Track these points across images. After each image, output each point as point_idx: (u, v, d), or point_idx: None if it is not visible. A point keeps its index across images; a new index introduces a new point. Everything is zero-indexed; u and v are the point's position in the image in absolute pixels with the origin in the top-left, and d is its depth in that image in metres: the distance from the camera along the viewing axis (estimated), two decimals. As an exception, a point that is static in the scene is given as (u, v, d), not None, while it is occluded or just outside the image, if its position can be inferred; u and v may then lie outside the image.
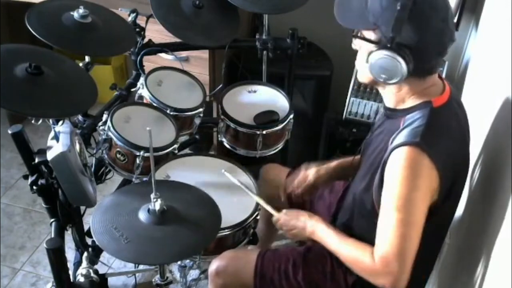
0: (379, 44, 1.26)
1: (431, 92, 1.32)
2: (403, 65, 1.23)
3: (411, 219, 1.24)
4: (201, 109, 1.97)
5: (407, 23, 1.21)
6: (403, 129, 1.29)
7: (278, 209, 1.60)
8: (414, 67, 1.24)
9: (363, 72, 1.37)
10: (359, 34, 1.32)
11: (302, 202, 1.77)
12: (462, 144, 1.36)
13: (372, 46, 1.27)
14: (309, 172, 1.69)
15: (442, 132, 1.29)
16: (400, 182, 1.23)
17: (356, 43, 1.35)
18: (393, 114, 1.37)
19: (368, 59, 1.26)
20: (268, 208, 1.61)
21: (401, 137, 1.27)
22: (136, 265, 1.80)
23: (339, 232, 1.41)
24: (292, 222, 1.51)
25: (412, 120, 1.29)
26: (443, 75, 2.27)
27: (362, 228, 1.43)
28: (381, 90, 1.39)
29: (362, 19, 1.28)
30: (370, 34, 1.29)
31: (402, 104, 1.35)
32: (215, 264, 1.59)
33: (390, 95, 1.36)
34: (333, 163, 1.70)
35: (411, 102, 1.33)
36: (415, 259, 1.26)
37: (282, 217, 1.55)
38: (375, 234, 1.29)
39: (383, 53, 1.23)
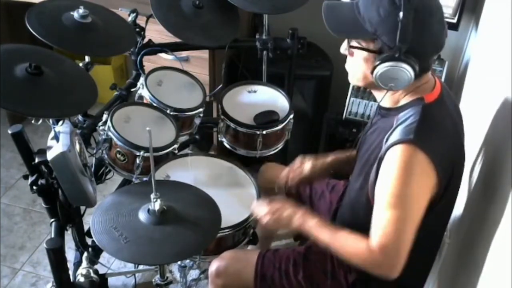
0: (381, 54, 1.26)
1: (424, 89, 1.33)
2: (411, 73, 1.24)
3: (406, 215, 1.25)
4: (201, 109, 1.97)
5: (410, 31, 1.21)
6: (396, 127, 1.30)
7: None
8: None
9: (357, 76, 1.37)
10: (355, 43, 1.31)
11: (296, 193, 1.78)
12: (456, 137, 1.37)
13: (371, 54, 1.28)
14: (305, 165, 1.69)
15: (436, 127, 1.30)
16: (395, 179, 1.24)
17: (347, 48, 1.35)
18: (387, 113, 1.39)
19: (375, 70, 1.26)
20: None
21: (395, 135, 1.28)
22: (136, 265, 1.80)
23: (329, 224, 1.40)
24: (279, 211, 1.47)
25: (405, 117, 1.30)
26: (443, 75, 2.27)
27: (359, 226, 1.43)
28: (376, 92, 1.40)
29: (358, 28, 1.28)
30: (369, 43, 1.29)
31: (397, 103, 1.36)
32: (215, 265, 1.59)
33: (386, 97, 1.37)
34: (329, 158, 1.70)
35: (404, 100, 1.34)
36: (415, 254, 1.27)
37: (266, 205, 1.49)
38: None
39: (391, 64, 1.24)
